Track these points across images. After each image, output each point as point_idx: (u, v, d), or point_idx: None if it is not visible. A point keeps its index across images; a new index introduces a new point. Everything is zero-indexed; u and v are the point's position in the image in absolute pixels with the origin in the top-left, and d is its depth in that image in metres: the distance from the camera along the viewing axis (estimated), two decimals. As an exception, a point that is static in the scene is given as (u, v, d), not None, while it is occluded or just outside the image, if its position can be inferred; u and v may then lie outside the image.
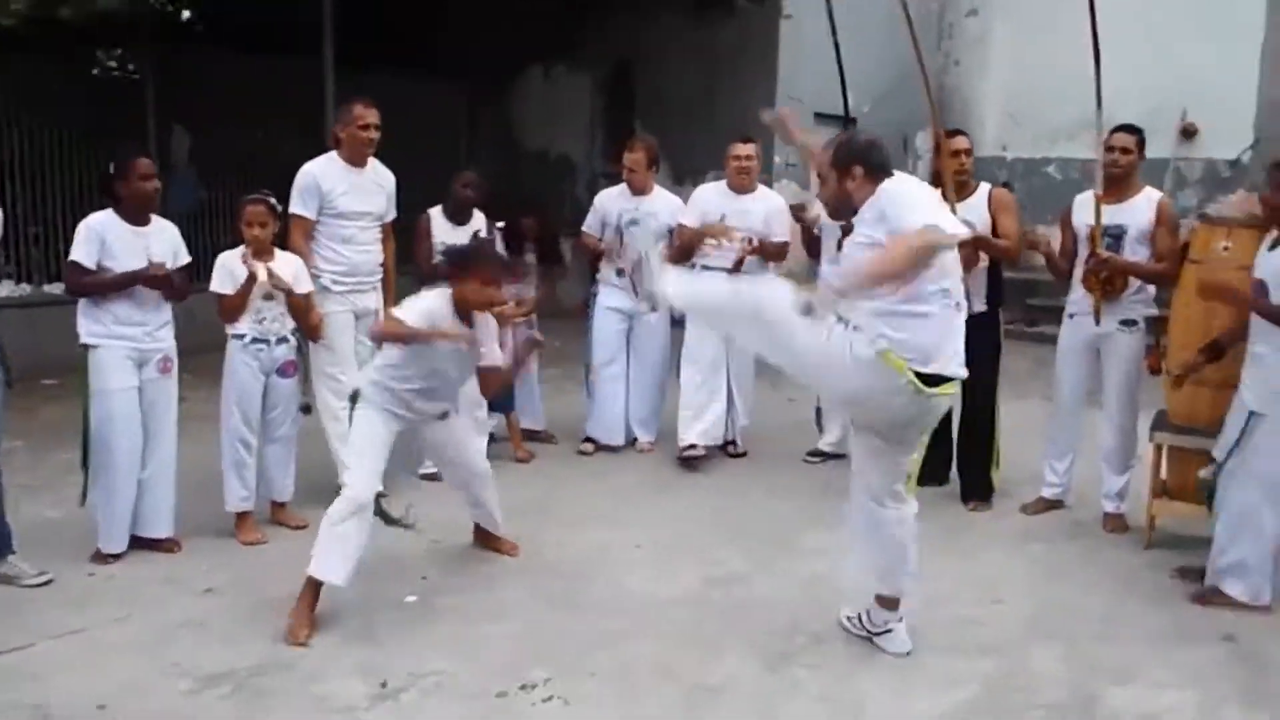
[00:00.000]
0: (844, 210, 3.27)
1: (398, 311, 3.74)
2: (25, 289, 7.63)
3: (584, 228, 5.86)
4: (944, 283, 3.06)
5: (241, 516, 4.39)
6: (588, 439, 5.79)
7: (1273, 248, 3.75)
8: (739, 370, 5.66)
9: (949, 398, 3.22)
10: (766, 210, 5.53)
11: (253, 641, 3.48)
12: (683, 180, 9.33)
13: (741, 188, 5.53)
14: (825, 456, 5.60)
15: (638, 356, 5.81)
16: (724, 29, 8.70)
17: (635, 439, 5.84)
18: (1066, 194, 5.03)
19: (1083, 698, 3.21)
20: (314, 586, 3.58)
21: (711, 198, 5.59)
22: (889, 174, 3.17)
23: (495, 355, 3.87)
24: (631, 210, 5.67)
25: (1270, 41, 8.88)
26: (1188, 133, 9.21)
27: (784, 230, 5.55)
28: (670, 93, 9.39)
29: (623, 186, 5.76)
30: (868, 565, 3.54)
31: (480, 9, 9.58)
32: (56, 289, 7.66)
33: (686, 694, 3.20)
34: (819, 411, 5.67)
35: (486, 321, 3.84)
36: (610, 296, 5.77)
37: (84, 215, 4.09)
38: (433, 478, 5.17)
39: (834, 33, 5.12)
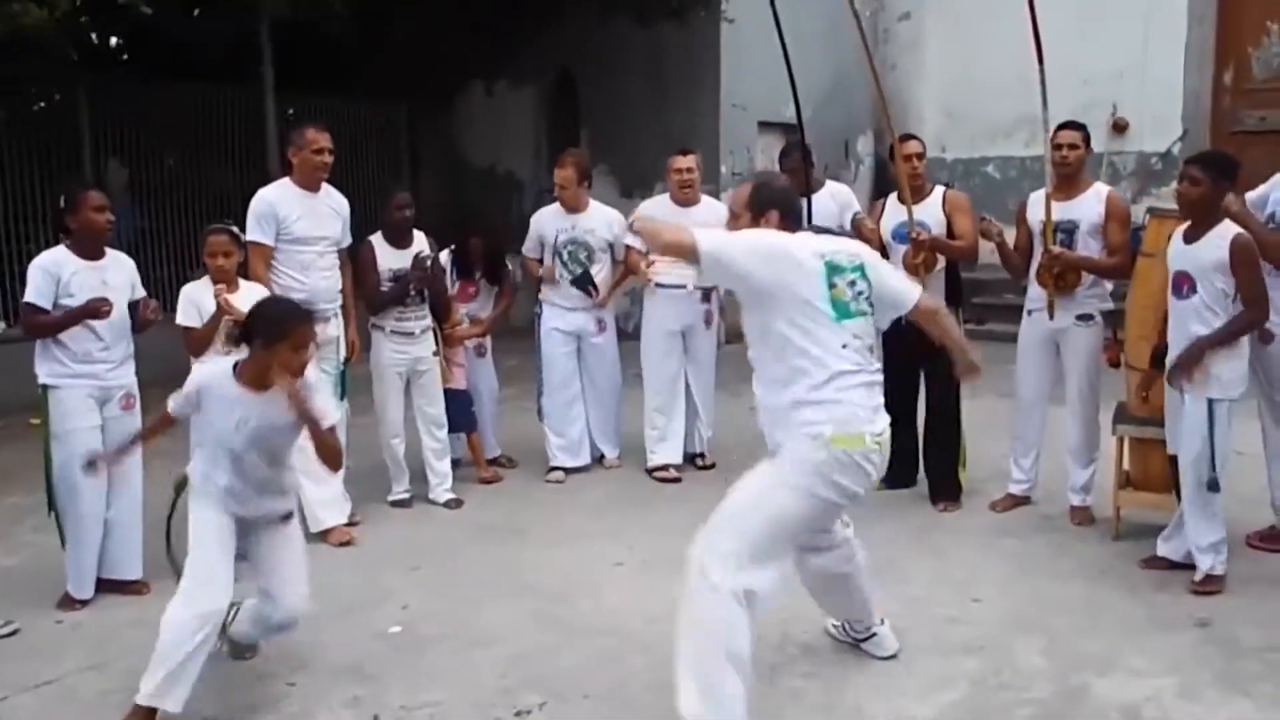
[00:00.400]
0: None
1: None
2: (-40, 329, 7.38)
3: (524, 250, 5.73)
4: (812, 350, 2.96)
5: (212, 554, 4.29)
6: (554, 468, 5.62)
7: (1190, 241, 3.87)
8: (699, 381, 5.69)
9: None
10: (714, 221, 5.55)
11: (235, 684, 3.41)
12: (631, 193, 9.36)
13: (685, 200, 5.54)
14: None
15: (589, 375, 5.71)
16: (666, 37, 8.73)
17: (602, 455, 5.81)
18: (1006, 192, 5.17)
19: (1069, 691, 3.27)
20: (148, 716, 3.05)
21: (656, 213, 5.57)
22: (799, 227, 3.15)
23: (323, 413, 3.17)
24: (568, 229, 5.53)
25: (1193, 35, 9.17)
26: (1119, 127, 9.47)
27: None
28: (615, 103, 9.42)
29: (557, 205, 5.63)
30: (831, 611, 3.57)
31: (417, 27, 9.51)
32: (-6, 328, 7.45)
33: (684, 710, 3.20)
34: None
35: (304, 384, 3.14)
36: (555, 318, 5.62)
37: (18, 250, 3.99)
38: (403, 504, 5.12)
39: (781, 40, 5.15)
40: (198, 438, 3.24)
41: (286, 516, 3.34)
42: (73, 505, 3.91)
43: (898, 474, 5.20)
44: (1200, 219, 3.85)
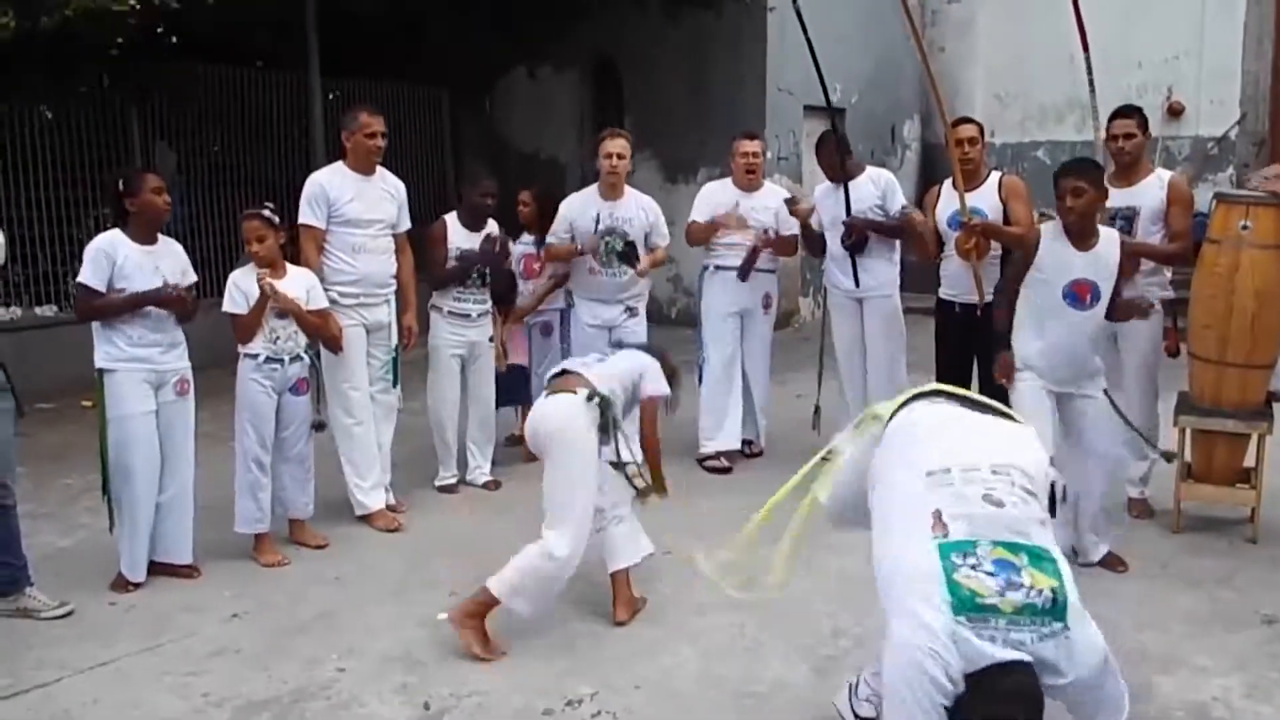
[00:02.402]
0: None
1: None
2: (16, 312, 7.49)
3: (549, 237, 5.39)
4: None
5: (259, 538, 4.32)
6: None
7: (1082, 250, 3.86)
8: (756, 366, 5.61)
9: None
10: (776, 205, 5.49)
11: (287, 666, 3.42)
12: (674, 178, 9.32)
13: (750, 185, 5.47)
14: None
15: None
16: (710, 23, 8.65)
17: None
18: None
19: (1132, 689, 3.16)
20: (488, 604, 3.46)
21: (720, 195, 5.53)
22: None
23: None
24: (605, 218, 5.25)
25: (1250, 15, 8.92)
26: (1174, 111, 9.25)
27: (792, 224, 5.51)
28: (658, 89, 9.34)
29: (590, 190, 5.36)
30: None
31: (461, 12, 9.49)
32: (47, 311, 7.54)
33: (736, 701, 3.17)
34: (816, 409, 5.62)
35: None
36: (588, 311, 5.40)
37: (71, 234, 4.01)
38: (449, 490, 5.12)
39: (802, 23, 4.98)
40: None
41: None
42: (127, 489, 3.94)
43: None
44: (1089, 228, 3.82)
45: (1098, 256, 3.82)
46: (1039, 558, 2.18)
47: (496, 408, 5.33)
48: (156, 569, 4.10)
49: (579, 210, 5.34)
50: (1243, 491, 4.33)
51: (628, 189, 5.38)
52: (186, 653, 3.53)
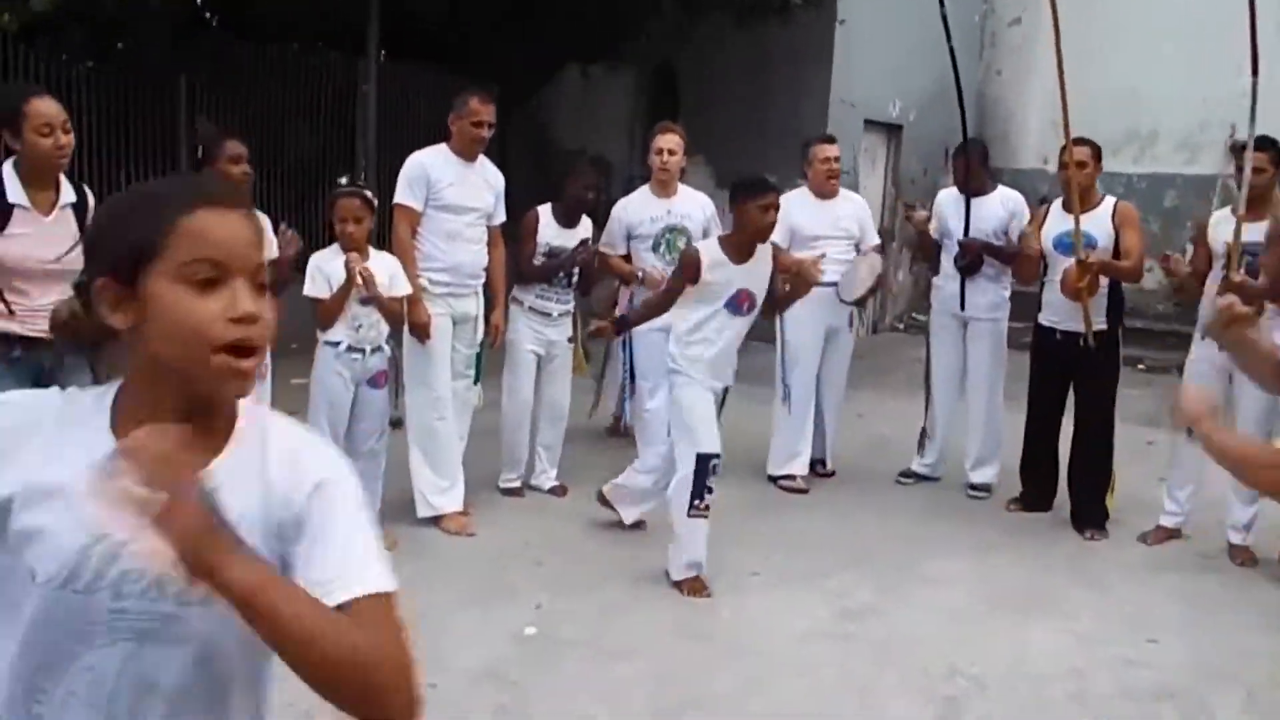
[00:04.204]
0: None
1: None
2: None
3: (603, 245, 5.03)
4: None
5: (327, 536, 4.08)
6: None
7: (740, 262, 3.98)
8: (832, 388, 5.38)
9: None
10: (856, 213, 5.28)
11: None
12: (726, 184, 9.09)
13: (829, 192, 5.25)
14: (918, 478, 5.36)
15: None
16: (774, 32, 8.45)
17: None
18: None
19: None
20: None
21: (799, 208, 5.27)
22: None
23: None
24: (663, 216, 4.96)
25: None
26: (1238, 149, 9.07)
27: (874, 232, 5.31)
28: (715, 95, 9.13)
29: (643, 190, 5.08)
30: None
31: (515, 5, 9.30)
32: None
33: (863, 745, 2.96)
34: (923, 432, 5.41)
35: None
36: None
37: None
38: (514, 493, 4.88)
39: (953, 58, 4.78)
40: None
41: None
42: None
43: (1036, 496, 4.92)
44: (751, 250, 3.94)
45: (756, 269, 3.96)
46: None
47: None
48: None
49: (636, 211, 5.05)
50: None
51: (681, 186, 5.10)
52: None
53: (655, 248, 5.00)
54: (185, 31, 7.92)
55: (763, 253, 4.00)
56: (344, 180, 4.13)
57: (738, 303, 3.95)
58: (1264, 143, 4.35)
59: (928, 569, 4.23)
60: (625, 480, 4.43)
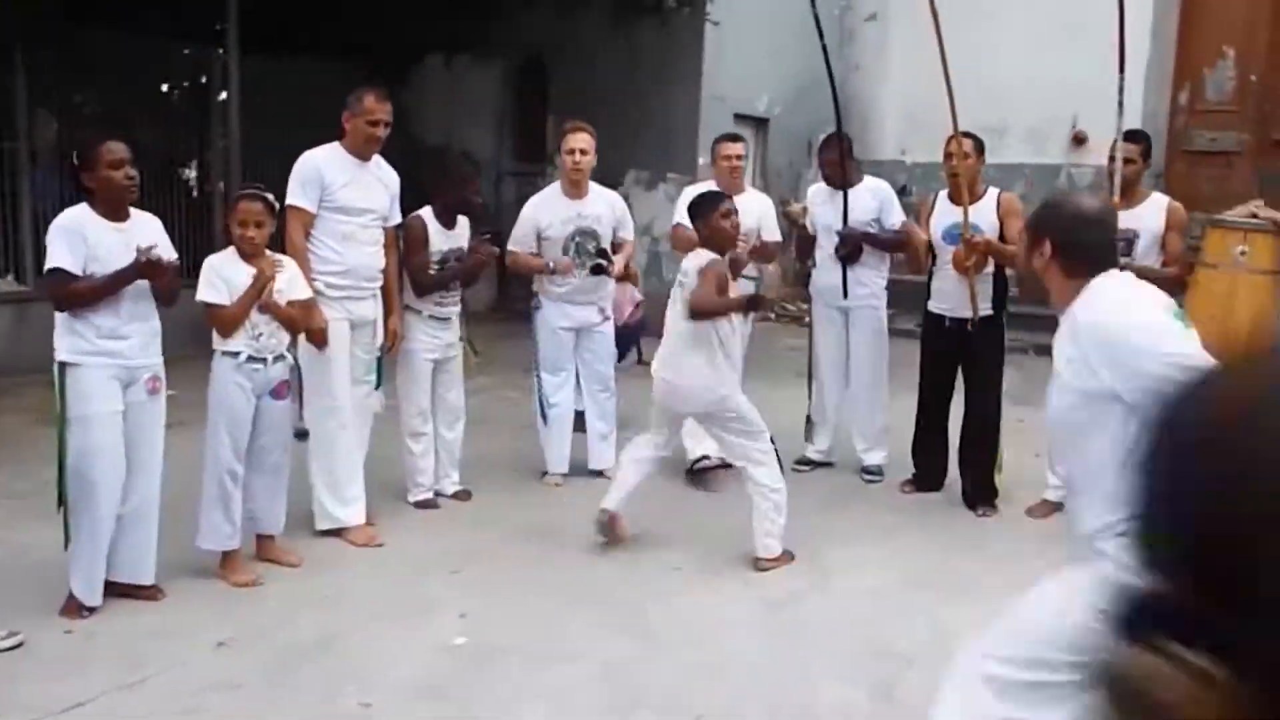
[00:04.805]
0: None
1: None
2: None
3: (511, 244, 5.08)
4: None
5: (229, 555, 3.88)
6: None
7: None
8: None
9: None
10: (760, 210, 5.35)
11: (300, 702, 3.06)
12: (600, 181, 9.07)
13: (734, 188, 5.30)
14: (814, 464, 5.49)
15: (587, 366, 5.23)
16: (647, 27, 8.47)
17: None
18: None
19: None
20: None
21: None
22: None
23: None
24: (574, 219, 4.99)
25: (1154, 54, 9.42)
26: (1079, 140, 9.66)
27: (776, 230, 5.40)
28: (586, 89, 9.07)
29: (554, 190, 5.11)
30: None
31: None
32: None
33: (812, 731, 3.01)
34: (809, 420, 5.54)
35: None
36: (558, 313, 5.11)
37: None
38: (428, 504, 4.72)
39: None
40: None
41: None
42: (87, 501, 3.44)
43: (929, 476, 5.11)
44: None
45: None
46: None
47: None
48: (112, 590, 3.60)
49: (546, 212, 5.03)
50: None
51: (592, 185, 5.13)
52: (175, 689, 3.10)
53: (565, 251, 5.02)
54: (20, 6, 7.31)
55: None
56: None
57: None
58: (1135, 136, 4.62)
59: (840, 554, 4.33)
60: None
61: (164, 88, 8.32)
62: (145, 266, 3.39)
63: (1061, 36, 9.37)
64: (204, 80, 8.54)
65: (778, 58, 9.23)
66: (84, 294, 3.34)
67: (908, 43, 10.40)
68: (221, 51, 8.25)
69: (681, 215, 5.25)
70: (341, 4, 8.92)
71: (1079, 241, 2.40)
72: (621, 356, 5.74)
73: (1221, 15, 9.15)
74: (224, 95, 8.34)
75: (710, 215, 4.12)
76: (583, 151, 4.97)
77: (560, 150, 5.04)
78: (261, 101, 8.49)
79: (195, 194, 8.71)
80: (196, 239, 7.52)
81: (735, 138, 5.40)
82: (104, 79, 7.86)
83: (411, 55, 9.80)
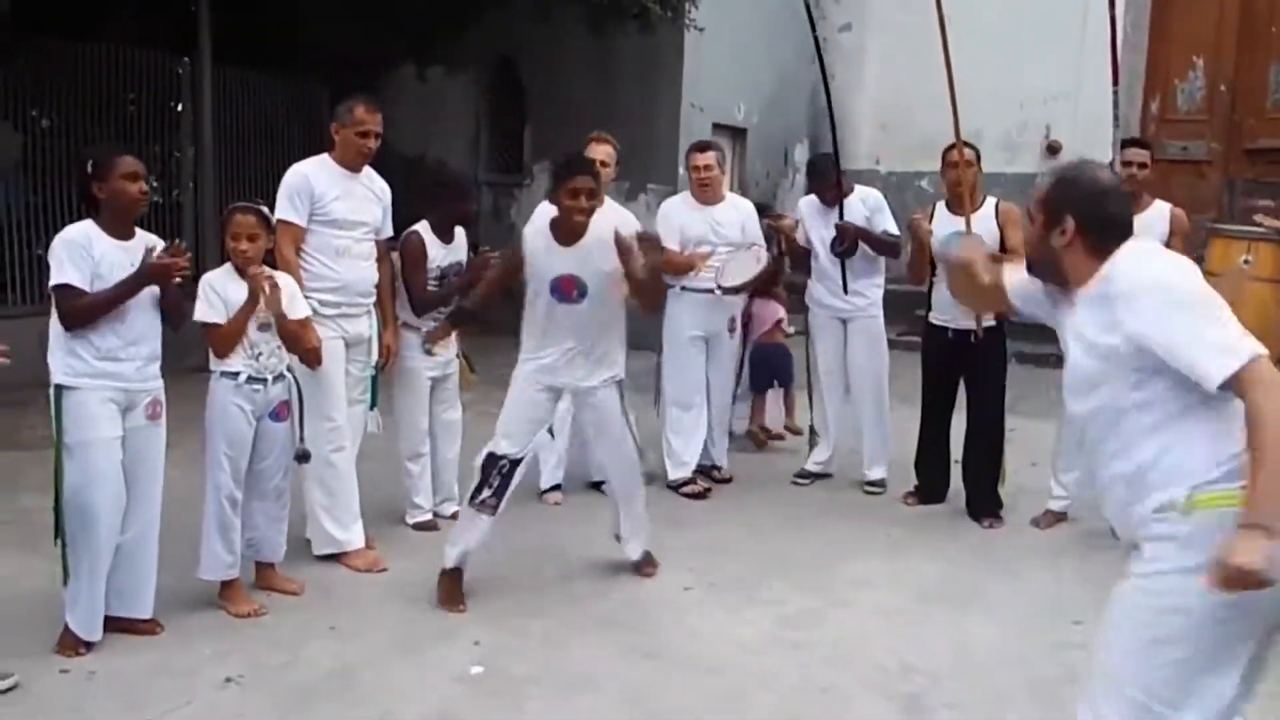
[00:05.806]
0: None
1: None
2: None
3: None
4: None
5: (228, 584, 3.73)
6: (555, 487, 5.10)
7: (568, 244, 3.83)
8: (718, 393, 5.37)
9: None
10: (741, 219, 5.27)
11: (320, 739, 2.93)
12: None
13: (709, 199, 5.24)
14: (813, 477, 5.44)
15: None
16: (626, 35, 8.41)
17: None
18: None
19: None
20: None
21: (682, 213, 5.24)
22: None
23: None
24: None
25: (1126, 63, 9.53)
26: (1053, 149, 9.75)
27: (760, 237, 5.35)
28: (562, 97, 9.00)
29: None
30: None
31: (345, 3, 8.88)
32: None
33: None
34: (812, 430, 5.50)
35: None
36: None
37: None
38: (427, 526, 4.59)
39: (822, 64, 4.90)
40: None
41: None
42: (86, 533, 3.28)
43: (932, 489, 5.09)
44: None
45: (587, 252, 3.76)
46: None
47: (761, 389, 5.97)
48: (108, 624, 3.44)
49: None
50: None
51: (607, 200, 5.02)
52: (185, 729, 2.97)
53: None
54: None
55: (595, 241, 3.78)
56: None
57: (562, 288, 3.77)
58: (1143, 143, 4.66)
59: (850, 570, 4.29)
60: None
61: (130, 97, 8.06)
62: (156, 268, 3.27)
63: (1034, 47, 9.46)
64: (172, 92, 8.33)
65: (752, 67, 9.23)
66: (97, 306, 3.21)
67: (881, 52, 10.49)
68: (187, 60, 8.10)
69: (664, 235, 5.06)
70: (311, 14, 8.77)
71: (1105, 215, 2.16)
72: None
73: (1191, 26, 9.29)
74: (180, 106, 8.18)
75: (558, 187, 3.78)
76: (602, 164, 4.78)
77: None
78: (231, 114, 8.32)
79: (160, 203, 8.49)
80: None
81: (705, 146, 5.28)
82: (65, 90, 7.63)
83: (382, 65, 9.65)
